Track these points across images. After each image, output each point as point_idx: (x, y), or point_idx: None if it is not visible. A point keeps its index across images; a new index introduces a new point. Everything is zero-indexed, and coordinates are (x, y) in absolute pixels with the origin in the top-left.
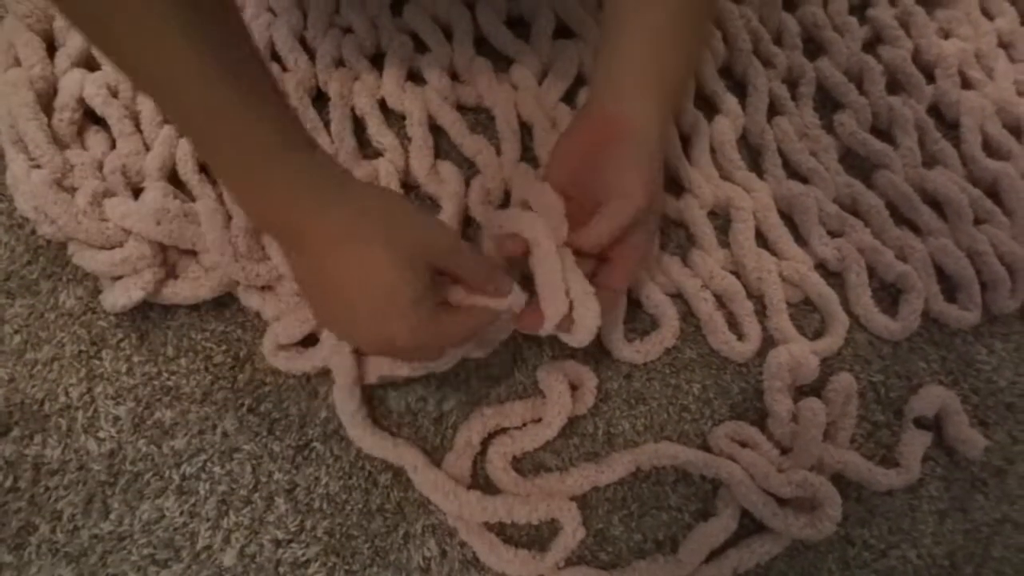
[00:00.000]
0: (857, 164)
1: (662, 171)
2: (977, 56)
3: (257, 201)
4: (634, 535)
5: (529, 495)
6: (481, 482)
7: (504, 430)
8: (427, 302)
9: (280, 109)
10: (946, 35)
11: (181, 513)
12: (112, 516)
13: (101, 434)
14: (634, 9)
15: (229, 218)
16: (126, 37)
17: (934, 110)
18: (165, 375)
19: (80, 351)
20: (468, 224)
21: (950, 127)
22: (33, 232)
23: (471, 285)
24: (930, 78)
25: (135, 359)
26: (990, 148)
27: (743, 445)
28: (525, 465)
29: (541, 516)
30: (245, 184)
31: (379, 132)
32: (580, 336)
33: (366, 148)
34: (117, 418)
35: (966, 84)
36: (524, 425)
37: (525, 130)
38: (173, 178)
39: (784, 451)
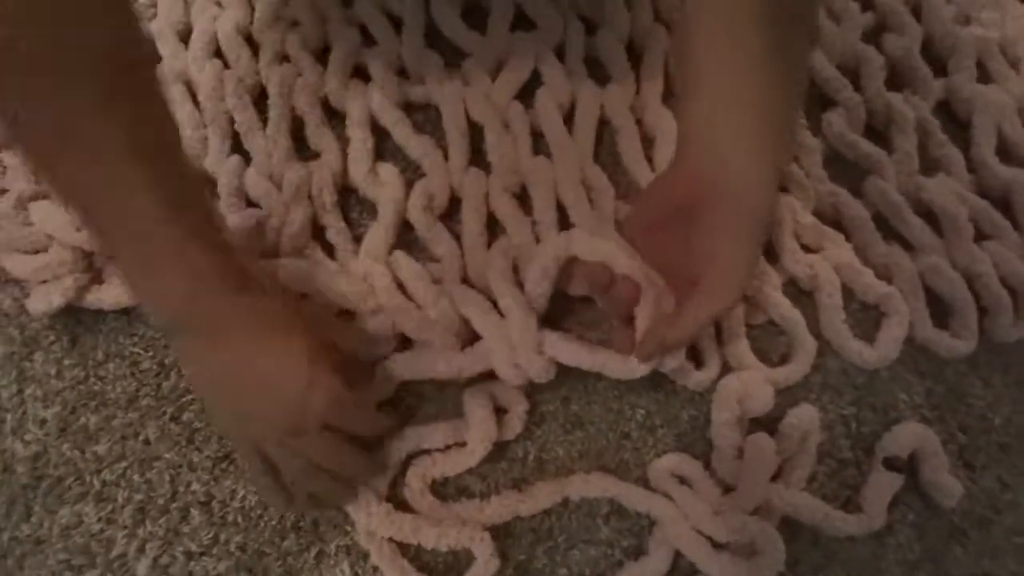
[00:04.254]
0: (846, 170)
1: (763, 244)
2: (1002, 45)
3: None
4: (559, 569)
5: (442, 520)
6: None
7: (427, 452)
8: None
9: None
10: (967, 20)
11: (99, 520)
12: (33, 519)
13: (28, 436)
14: (724, 41)
15: None
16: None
17: (944, 108)
18: (93, 379)
19: (12, 352)
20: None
21: (962, 127)
22: None
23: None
24: (943, 71)
25: (65, 362)
26: (1007, 152)
27: (684, 481)
28: (448, 489)
29: (451, 543)
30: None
31: (316, 132)
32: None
33: (306, 150)
34: (44, 421)
35: (985, 78)
36: (448, 448)
37: (477, 131)
38: None
39: (728, 490)
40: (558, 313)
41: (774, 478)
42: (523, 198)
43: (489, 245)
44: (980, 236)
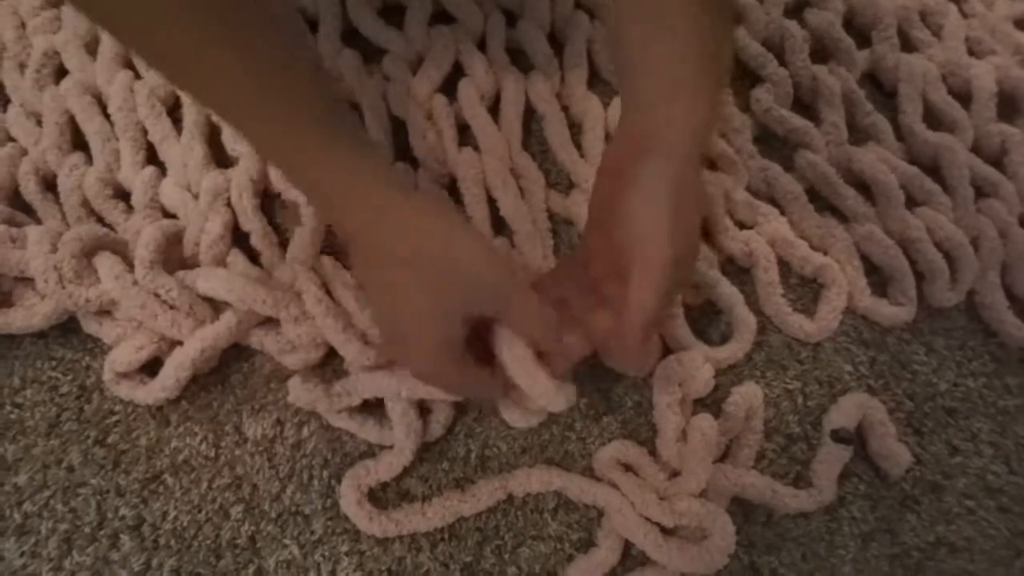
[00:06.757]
0: (776, 145)
1: (698, 194)
2: (923, 14)
3: (325, 206)
4: (507, 568)
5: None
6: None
7: (360, 460)
8: (455, 350)
9: (347, 124)
10: None
11: (21, 555)
12: None
13: None
14: (661, 33)
15: None
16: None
17: (870, 78)
18: (9, 407)
19: None
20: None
21: (889, 96)
22: None
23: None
24: (867, 42)
25: None
26: (933, 118)
27: (630, 468)
28: (388, 494)
29: None
30: (316, 193)
31: (234, 138)
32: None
33: (226, 157)
34: None
35: (908, 46)
36: (379, 452)
37: (400, 126)
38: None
39: (674, 474)
40: None
41: (722, 458)
42: (452, 191)
43: None
44: (912, 202)
